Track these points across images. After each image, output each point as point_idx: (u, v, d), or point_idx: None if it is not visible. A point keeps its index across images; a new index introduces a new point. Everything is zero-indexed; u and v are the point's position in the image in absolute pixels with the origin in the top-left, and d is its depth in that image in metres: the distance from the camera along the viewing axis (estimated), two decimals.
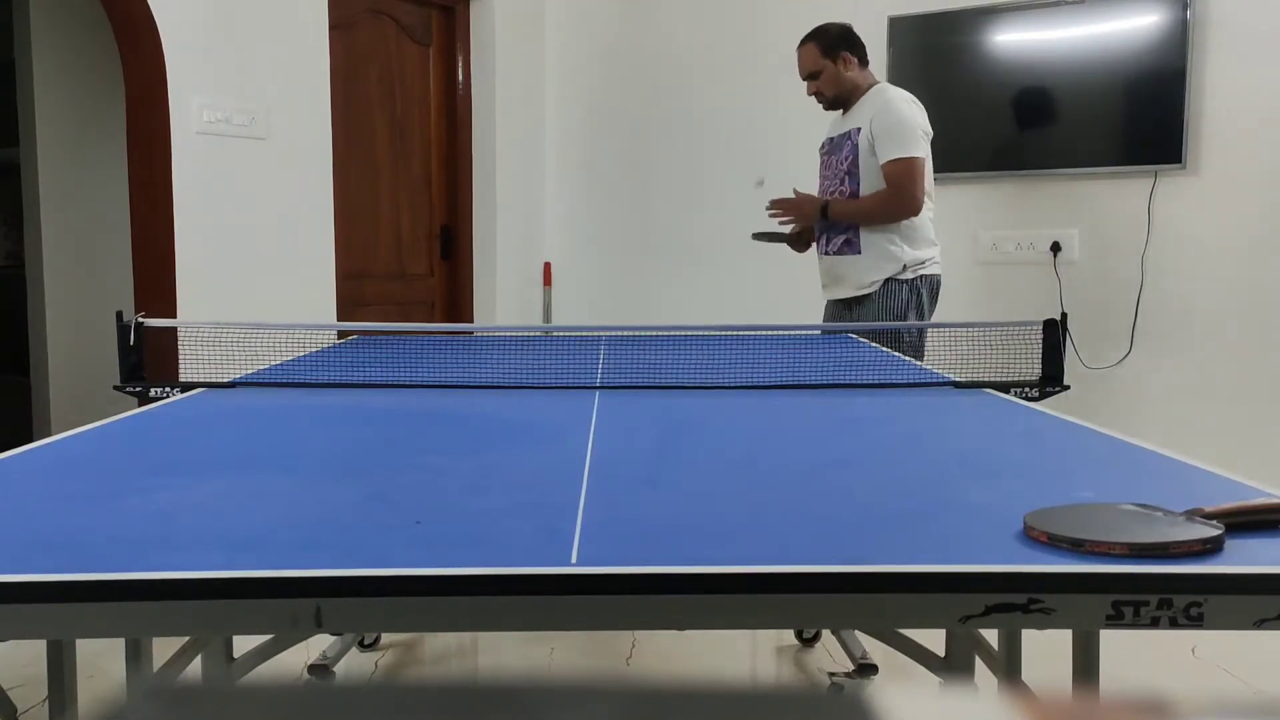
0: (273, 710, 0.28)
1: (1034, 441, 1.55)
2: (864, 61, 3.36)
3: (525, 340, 2.92)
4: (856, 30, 3.38)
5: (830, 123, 3.44)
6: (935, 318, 3.29)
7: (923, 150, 3.20)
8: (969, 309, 4.07)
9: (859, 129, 3.26)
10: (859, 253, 3.27)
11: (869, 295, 3.27)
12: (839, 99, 3.35)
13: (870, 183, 3.23)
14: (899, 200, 3.18)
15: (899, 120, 3.19)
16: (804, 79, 3.38)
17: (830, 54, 3.31)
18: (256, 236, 3.69)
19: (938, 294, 3.30)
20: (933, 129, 3.27)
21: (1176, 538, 0.91)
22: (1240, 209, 3.85)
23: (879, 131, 3.20)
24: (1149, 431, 1.78)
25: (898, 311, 3.23)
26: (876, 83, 3.35)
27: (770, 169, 4.47)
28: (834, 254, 3.34)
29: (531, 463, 1.36)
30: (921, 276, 3.24)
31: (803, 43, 3.37)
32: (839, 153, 3.33)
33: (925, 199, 3.23)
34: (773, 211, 3.37)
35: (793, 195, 3.37)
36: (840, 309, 3.37)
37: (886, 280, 3.23)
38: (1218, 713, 0.29)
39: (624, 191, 4.94)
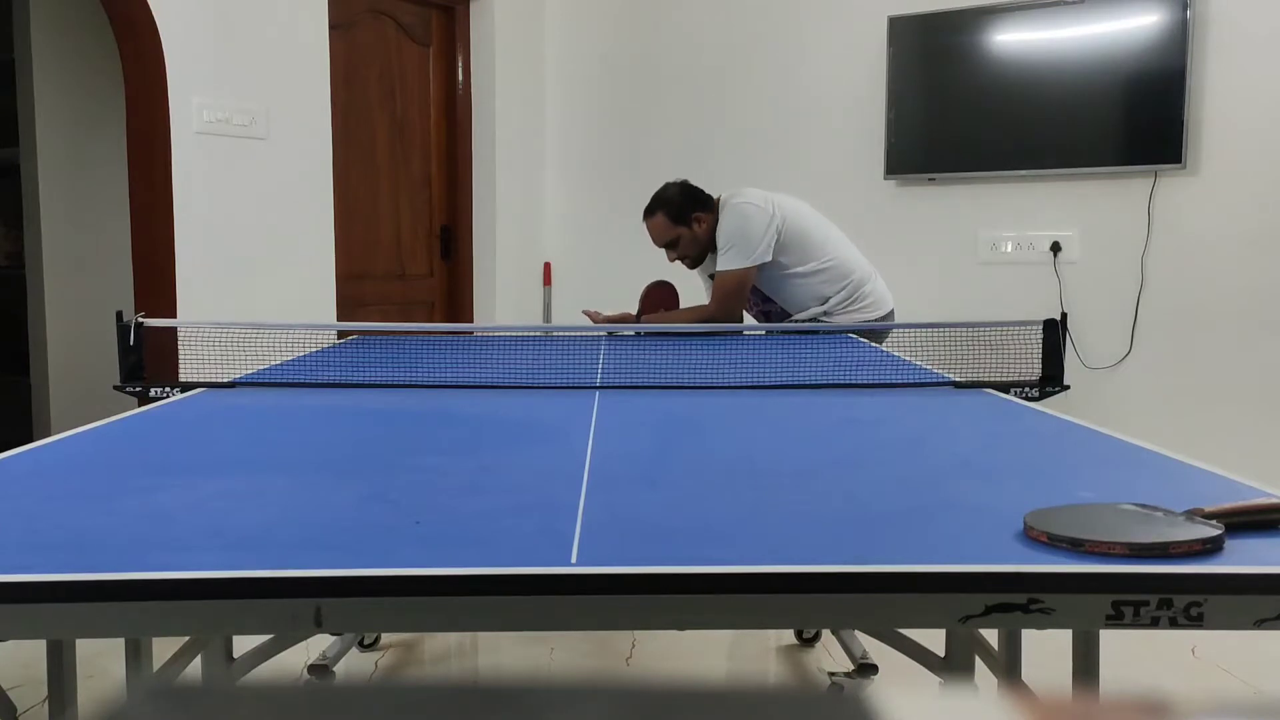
0: (273, 710, 0.28)
1: (1034, 441, 1.54)
2: (709, 207, 3.27)
3: (525, 340, 2.92)
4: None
5: None
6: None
7: (748, 259, 3.14)
8: (969, 309, 4.07)
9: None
10: (789, 314, 3.29)
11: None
12: (702, 254, 3.31)
13: (780, 290, 3.24)
14: (715, 317, 3.19)
15: (729, 231, 3.18)
16: (660, 247, 3.31)
17: (681, 220, 3.24)
18: (256, 236, 3.69)
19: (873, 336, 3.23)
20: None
21: (1176, 538, 0.91)
22: (1240, 209, 3.85)
23: (718, 242, 3.21)
24: (1149, 431, 1.78)
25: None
26: (724, 205, 3.25)
27: (770, 168, 4.46)
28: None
29: (531, 463, 1.36)
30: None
31: (648, 217, 3.28)
32: None
33: (827, 252, 3.21)
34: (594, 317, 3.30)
35: (602, 317, 3.29)
36: None
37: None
38: (1218, 713, 0.29)
39: (624, 191, 4.94)
